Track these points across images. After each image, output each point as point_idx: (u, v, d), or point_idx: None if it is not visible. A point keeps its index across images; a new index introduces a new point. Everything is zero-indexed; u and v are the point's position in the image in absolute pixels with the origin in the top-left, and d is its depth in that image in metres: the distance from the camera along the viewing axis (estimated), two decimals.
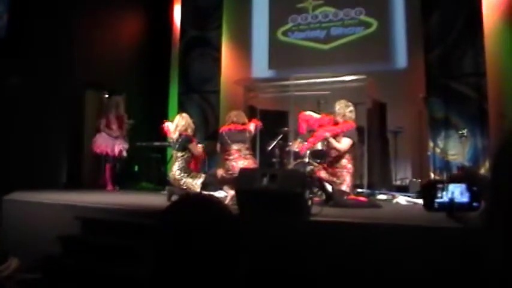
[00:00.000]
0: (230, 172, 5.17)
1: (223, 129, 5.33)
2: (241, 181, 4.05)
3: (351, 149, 5.16)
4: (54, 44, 7.26)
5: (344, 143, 5.11)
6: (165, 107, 9.43)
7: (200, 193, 5.28)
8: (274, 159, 6.92)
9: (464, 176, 5.31)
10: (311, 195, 3.94)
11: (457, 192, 3.51)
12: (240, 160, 5.18)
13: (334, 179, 5.10)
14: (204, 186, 5.37)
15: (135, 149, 7.86)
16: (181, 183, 5.31)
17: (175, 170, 5.36)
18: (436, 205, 3.56)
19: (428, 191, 3.65)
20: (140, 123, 7.99)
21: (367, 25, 8.38)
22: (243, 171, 4.38)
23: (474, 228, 2.92)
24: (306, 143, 6.23)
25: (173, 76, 9.51)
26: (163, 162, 8.33)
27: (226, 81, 8.92)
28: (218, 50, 9.04)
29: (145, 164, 8.39)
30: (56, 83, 7.26)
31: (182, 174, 5.32)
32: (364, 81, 6.69)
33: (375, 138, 7.11)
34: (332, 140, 5.13)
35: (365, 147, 6.73)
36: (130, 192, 6.95)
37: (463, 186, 3.50)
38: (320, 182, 5.23)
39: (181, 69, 9.25)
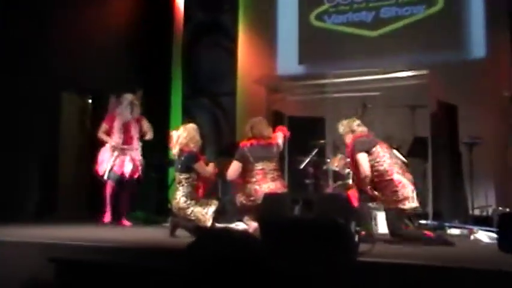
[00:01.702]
0: (252, 198, 5.20)
1: (245, 144, 5.39)
2: (267, 209, 4.10)
3: (381, 158, 5.04)
4: (16, 33, 7.22)
5: (359, 164, 5.04)
6: (166, 114, 9.49)
7: (215, 227, 5.25)
8: (307, 181, 6.95)
9: None
10: (358, 228, 3.94)
11: None
12: (265, 183, 5.22)
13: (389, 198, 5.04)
14: (217, 216, 5.35)
15: None
16: (188, 212, 5.31)
17: (179, 197, 5.39)
18: None
19: (508, 225, 3.53)
20: None
21: (430, 3, 8.31)
22: (269, 196, 4.41)
23: None
24: (348, 159, 6.22)
25: (176, 74, 9.61)
26: (164, 185, 8.35)
27: (244, 80, 8.96)
28: (233, 39, 9.10)
29: (141, 189, 8.31)
30: (21, 84, 7.22)
31: (189, 202, 5.34)
32: (425, 77, 6.68)
33: (442, 153, 7.00)
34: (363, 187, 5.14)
35: (429, 165, 6.67)
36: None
37: None
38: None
39: (185, 65, 9.34)
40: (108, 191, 6.69)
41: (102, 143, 6.87)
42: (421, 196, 6.75)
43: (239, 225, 5.89)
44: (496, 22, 7.73)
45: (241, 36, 9.19)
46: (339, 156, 6.69)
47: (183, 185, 5.40)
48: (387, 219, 5.14)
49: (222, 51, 9.08)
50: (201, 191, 5.54)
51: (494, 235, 5.54)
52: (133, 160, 6.79)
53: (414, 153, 6.72)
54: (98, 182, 7.42)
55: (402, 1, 8.48)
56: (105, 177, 6.67)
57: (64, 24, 7.81)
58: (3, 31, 7.04)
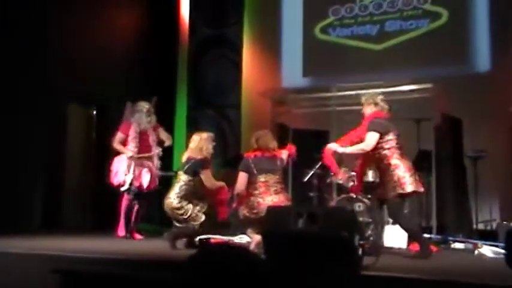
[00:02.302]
0: (255, 211, 5.15)
1: (249, 155, 5.35)
2: (270, 222, 4.07)
3: (387, 143, 5.05)
4: (23, 46, 7.26)
5: (367, 138, 5.05)
6: (171, 126, 9.39)
7: (227, 243, 5.24)
8: (311, 194, 6.93)
9: None
10: (362, 241, 3.92)
11: None
12: (269, 195, 5.18)
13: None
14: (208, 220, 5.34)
15: None
16: (181, 212, 5.27)
17: (173, 197, 5.34)
18: None
19: None
20: None
21: (435, 16, 8.32)
22: (273, 209, 4.39)
23: None
24: (352, 173, 6.19)
25: (181, 86, 9.66)
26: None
27: (249, 92, 8.99)
28: (238, 52, 9.17)
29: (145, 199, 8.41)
30: (27, 96, 7.24)
31: (182, 202, 5.30)
32: (430, 90, 6.69)
33: (446, 166, 6.97)
34: (342, 149, 5.22)
35: (433, 178, 6.65)
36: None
37: None
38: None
39: (191, 77, 9.40)
40: (125, 204, 6.50)
41: (116, 153, 6.64)
42: (425, 210, 6.78)
43: (243, 238, 5.85)
44: (501, 35, 7.73)
45: (246, 49, 9.24)
46: (343, 169, 6.67)
47: (181, 186, 5.35)
48: (388, 208, 5.17)
49: (227, 64, 9.14)
50: (221, 215, 5.48)
51: (499, 250, 5.50)
52: (150, 170, 6.57)
53: (418, 166, 6.47)
54: (105, 193, 7.40)
55: (407, 14, 8.49)
56: (123, 189, 6.47)
57: (69, 34, 7.84)
58: (5, 40, 7.03)
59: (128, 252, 5.02)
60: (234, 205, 5.43)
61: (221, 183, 5.51)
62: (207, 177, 5.37)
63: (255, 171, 5.21)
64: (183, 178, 5.39)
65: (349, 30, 8.86)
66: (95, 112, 8.43)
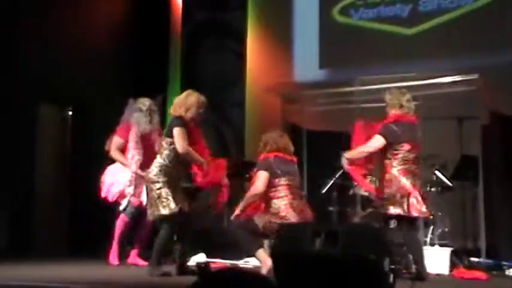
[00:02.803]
0: (283, 214, 5.20)
1: (268, 155, 5.45)
2: (283, 243, 4.08)
3: (393, 154, 5.32)
4: None
5: (370, 141, 5.40)
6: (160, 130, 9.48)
7: (233, 268, 5.14)
8: (331, 208, 7.03)
9: None
10: (394, 266, 3.91)
11: None
12: (294, 199, 5.29)
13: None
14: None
15: None
16: (154, 188, 5.21)
17: (153, 167, 5.36)
18: None
19: None
20: None
21: None
22: (285, 227, 4.49)
23: None
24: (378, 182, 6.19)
25: (173, 82, 9.60)
26: None
27: (255, 87, 8.96)
28: (242, 40, 9.11)
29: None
30: None
31: (162, 179, 5.24)
32: (475, 82, 6.68)
33: (496, 175, 6.98)
34: (346, 154, 5.57)
35: (480, 189, 6.58)
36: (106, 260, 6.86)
37: None
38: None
39: (185, 71, 9.37)
40: (120, 227, 6.29)
41: (110, 160, 6.44)
42: (470, 227, 6.67)
43: (249, 263, 5.96)
44: None
45: (251, 37, 9.19)
46: (369, 178, 6.62)
47: (161, 154, 5.33)
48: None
49: (229, 55, 9.15)
50: (221, 199, 5.52)
51: None
52: None
53: (462, 175, 6.69)
54: (84, 210, 7.38)
55: None
56: (121, 208, 6.29)
57: (40, 22, 7.89)
58: None
59: (112, 281, 5.06)
60: (244, 212, 5.38)
61: (200, 159, 5.43)
62: (178, 137, 5.26)
63: (279, 172, 5.32)
64: (163, 142, 5.37)
65: (374, 11, 8.76)
66: (70, 113, 8.42)
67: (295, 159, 5.56)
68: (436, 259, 5.82)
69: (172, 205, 5.15)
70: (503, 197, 6.94)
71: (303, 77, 8.98)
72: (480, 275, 5.44)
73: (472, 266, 5.87)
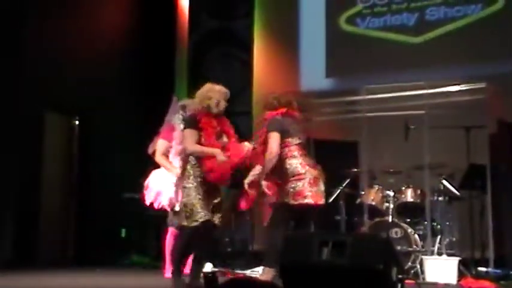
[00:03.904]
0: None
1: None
2: (289, 253, 4.05)
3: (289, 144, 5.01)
4: None
5: (270, 143, 4.94)
6: None
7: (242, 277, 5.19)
8: (338, 217, 6.97)
9: None
10: (401, 276, 3.92)
11: None
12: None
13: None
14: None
15: (121, 203, 7.93)
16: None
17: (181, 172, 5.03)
18: None
19: None
20: (130, 164, 8.00)
21: (489, 1, 8.18)
22: (291, 237, 4.43)
23: None
24: (387, 192, 6.16)
25: (180, 90, 9.54)
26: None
27: (262, 97, 8.82)
28: (248, 49, 9.16)
29: (138, 226, 8.42)
30: None
31: (189, 185, 4.89)
32: (483, 91, 6.63)
33: (505, 184, 6.86)
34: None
35: (488, 199, 6.53)
36: (114, 270, 6.91)
37: None
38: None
39: (192, 79, 9.36)
40: (170, 241, 5.82)
41: (154, 164, 6.07)
42: (478, 236, 6.64)
43: (256, 272, 5.85)
44: None
45: (257, 46, 9.25)
46: (376, 187, 6.68)
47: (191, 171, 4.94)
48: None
49: (235, 64, 9.19)
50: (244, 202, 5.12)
51: None
52: None
53: (470, 184, 6.63)
54: (89, 220, 7.37)
55: (453, 0, 8.38)
56: (168, 222, 5.91)
57: (47, 30, 7.91)
58: None
59: None
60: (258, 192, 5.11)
61: (212, 150, 4.95)
62: (186, 137, 4.99)
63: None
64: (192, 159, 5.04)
65: (381, 19, 8.79)
66: (77, 122, 8.45)
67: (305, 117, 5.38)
68: (444, 269, 5.79)
69: (198, 217, 4.82)
70: (511, 206, 6.88)
71: (310, 86, 9.00)
72: (488, 285, 5.41)
73: (480, 276, 5.82)
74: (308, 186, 4.83)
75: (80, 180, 8.21)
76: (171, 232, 5.90)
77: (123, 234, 8.56)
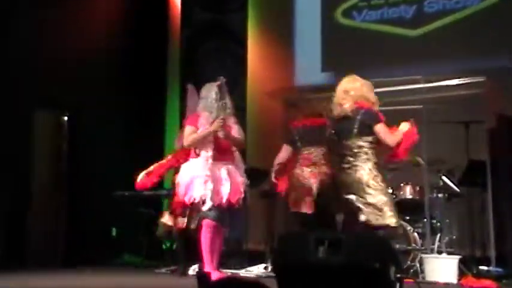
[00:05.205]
0: (302, 181, 5.40)
1: (296, 124, 5.76)
2: (284, 251, 4.06)
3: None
4: None
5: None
6: (160, 135, 9.54)
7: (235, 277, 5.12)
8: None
9: None
10: (399, 275, 3.88)
11: None
12: (309, 167, 5.47)
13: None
14: None
15: (113, 201, 7.89)
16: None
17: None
18: None
19: None
20: (120, 162, 8.06)
21: None
22: (286, 236, 4.48)
23: None
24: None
25: (172, 86, 9.64)
26: (156, 221, 8.10)
27: (256, 92, 8.97)
28: (242, 43, 9.13)
29: (130, 225, 8.42)
30: None
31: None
32: (482, 85, 6.63)
33: (505, 180, 6.87)
34: None
35: (489, 196, 6.52)
36: (104, 271, 6.92)
37: None
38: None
39: (184, 75, 9.33)
40: (208, 235, 5.48)
41: (179, 156, 5.90)
42: (479, 235, 6.62)
43: (251, 272, 6.11)
44: None
45: (252, 40, 9.21)
46: None
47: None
48: None
49: (228, 58, 9.15)
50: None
51: None
52: (231, 178, 5.57)
53: (469, 181, 6.65)
54: (79, 220, 7.35)
55: None
56: (204, 209, 5.46)
57: (34, 25, 7.88)
58: None
59: None
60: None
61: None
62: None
63: (298, 143, 5.62)
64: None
65: (378, 12, 8.76)
66: (66, 119, 8.41)
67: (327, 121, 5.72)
68: (444, 267, 5.81)
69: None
70: None
71: (305, 80, 9.02)
72: (489, 284, 5.42)
73: (481, 275, 5.83)
74: None
75: (70, 179, 8.18)
76: (206, 225, 5.47)
77: (114, 234, 8.57)
